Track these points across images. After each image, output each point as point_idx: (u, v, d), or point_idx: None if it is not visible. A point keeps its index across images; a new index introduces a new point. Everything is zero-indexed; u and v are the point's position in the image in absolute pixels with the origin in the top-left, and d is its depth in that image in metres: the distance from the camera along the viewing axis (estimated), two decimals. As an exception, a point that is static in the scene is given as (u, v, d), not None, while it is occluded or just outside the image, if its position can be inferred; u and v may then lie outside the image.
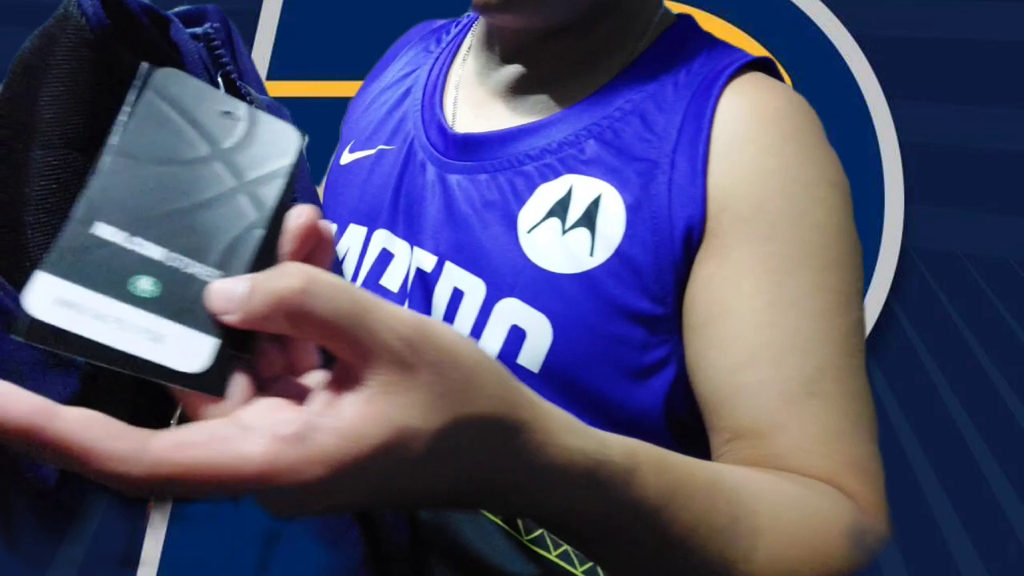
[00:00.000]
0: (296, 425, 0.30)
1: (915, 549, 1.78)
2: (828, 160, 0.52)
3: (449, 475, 0.33)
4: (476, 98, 0.59)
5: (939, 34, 1.81)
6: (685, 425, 0.55)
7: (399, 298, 0.55)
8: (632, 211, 0.49)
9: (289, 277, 0.31)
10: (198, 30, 0.52)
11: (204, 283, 0.35)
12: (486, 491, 0.35)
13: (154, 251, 0.36)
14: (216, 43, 0.52)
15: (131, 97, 0.39)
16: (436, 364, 0.31)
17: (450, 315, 0.52)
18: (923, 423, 1.80)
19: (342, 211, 0.62)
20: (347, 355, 0.31)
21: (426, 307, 0.54)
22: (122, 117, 0.38)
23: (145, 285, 0.35)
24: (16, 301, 0.50)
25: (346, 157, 0.65)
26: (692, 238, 0.49)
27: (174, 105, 0.39)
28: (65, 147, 0.50)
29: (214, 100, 0.40)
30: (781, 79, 0.56)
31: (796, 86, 1.86)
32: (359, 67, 1.92)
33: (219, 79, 0.51)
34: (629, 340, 0.50)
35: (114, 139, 0.38)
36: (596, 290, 0.50)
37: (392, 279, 0.56)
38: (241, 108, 0.40)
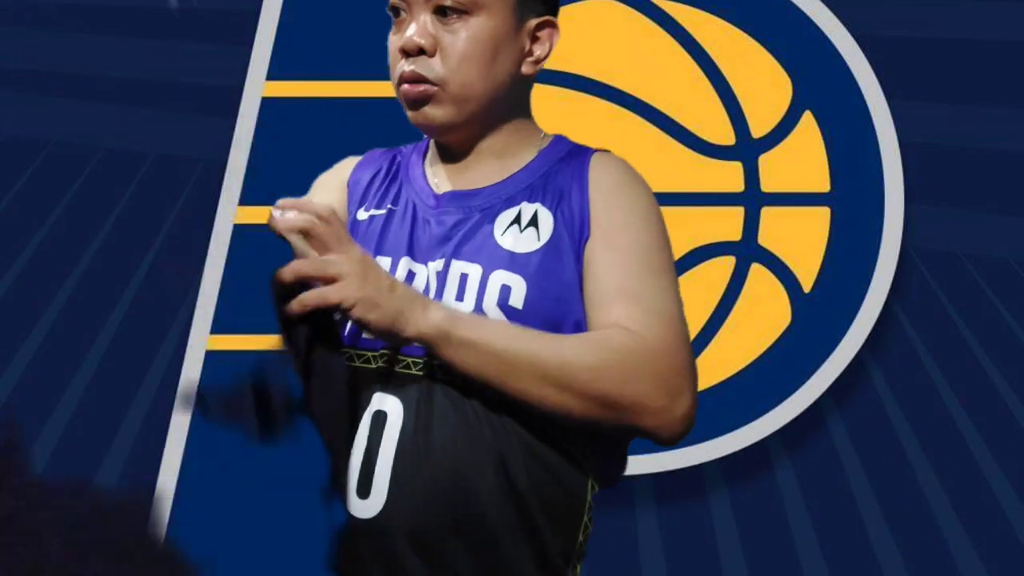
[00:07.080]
0: None
1: (915, 549, 1.78)
2: (648, 198, 0.97)
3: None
4: (445, 174, 0.99)
5: (939, 34, 1.82)
6: None
7: (425, 293, 0.93)
8: (556, 217, 0.94)
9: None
10: None
11: None
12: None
13: None
14: None
15: None
16: None
17: (461, 288, 0.92)
18: (923, 423, 1.80)
19: (370, 250, 0.95)
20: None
21: (443, 287, 0.92)
22: None
23: None
24: None
25: (362, 215, 0.99)
26: (583, 231, 0.94)
27: None
28: None
29: None
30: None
31: (796, 86, 1.84)
32: (359, 67, 1.92)
33: None
34: (572, 282, 0.93)
35: None
36: (545, 257, 0.92)
37: (417, 288, 0.94)
38: None
